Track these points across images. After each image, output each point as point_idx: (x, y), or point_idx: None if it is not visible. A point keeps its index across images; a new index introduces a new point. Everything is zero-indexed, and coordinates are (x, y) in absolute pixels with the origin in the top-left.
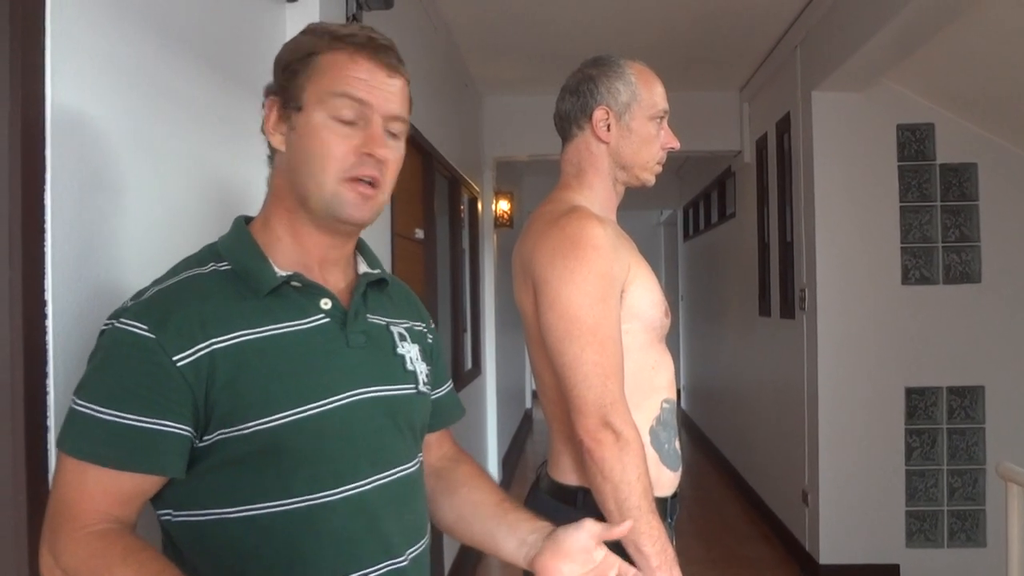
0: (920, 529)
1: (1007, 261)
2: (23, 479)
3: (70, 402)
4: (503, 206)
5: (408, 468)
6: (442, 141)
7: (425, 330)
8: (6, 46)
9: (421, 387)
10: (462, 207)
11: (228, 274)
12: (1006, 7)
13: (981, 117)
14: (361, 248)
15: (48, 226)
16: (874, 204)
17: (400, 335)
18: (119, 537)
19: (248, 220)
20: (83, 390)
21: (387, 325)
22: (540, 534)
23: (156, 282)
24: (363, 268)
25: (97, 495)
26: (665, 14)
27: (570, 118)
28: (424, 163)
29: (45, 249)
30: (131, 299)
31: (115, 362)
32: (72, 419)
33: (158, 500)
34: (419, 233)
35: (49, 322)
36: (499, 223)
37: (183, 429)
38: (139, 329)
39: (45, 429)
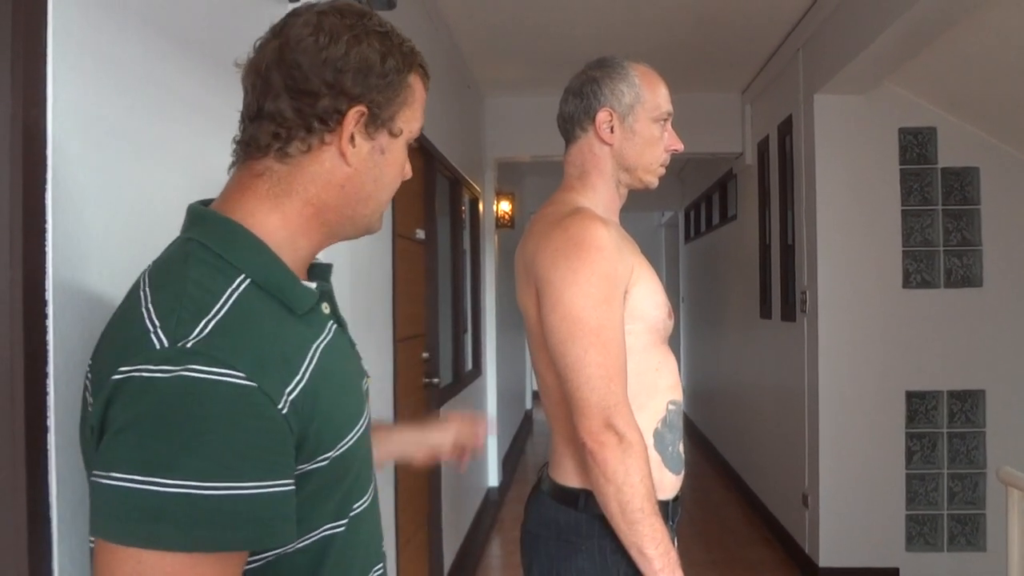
0: (920, 533)
1: (1008, 265)
2: (23, 478)
3: (132, 483)
4: (504, 207)
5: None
6: (444, 141)
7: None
8: (7, 46)
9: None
10: (463, 208)
11: (255, 290)
12: (1009, 11)
13: (983, 121)
14: None
15: (49, 226)
16: (876, 207)
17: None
18: None
19: (206, 203)
20: (167, 466)
21: (342, 317)
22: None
23: (185, 308)
24: None
25: None
26: (668, 16)
27: (573, 120)
28: (425, 163)
29: (46, 249)
30: (164, 332)
31: (214, 422)
32: (159, 505)
33: None
34: (420, 233)
35: (50, 322)
36: (500, 224)
37: (292, 485)
38: (234, 378)
39: (45, 429)
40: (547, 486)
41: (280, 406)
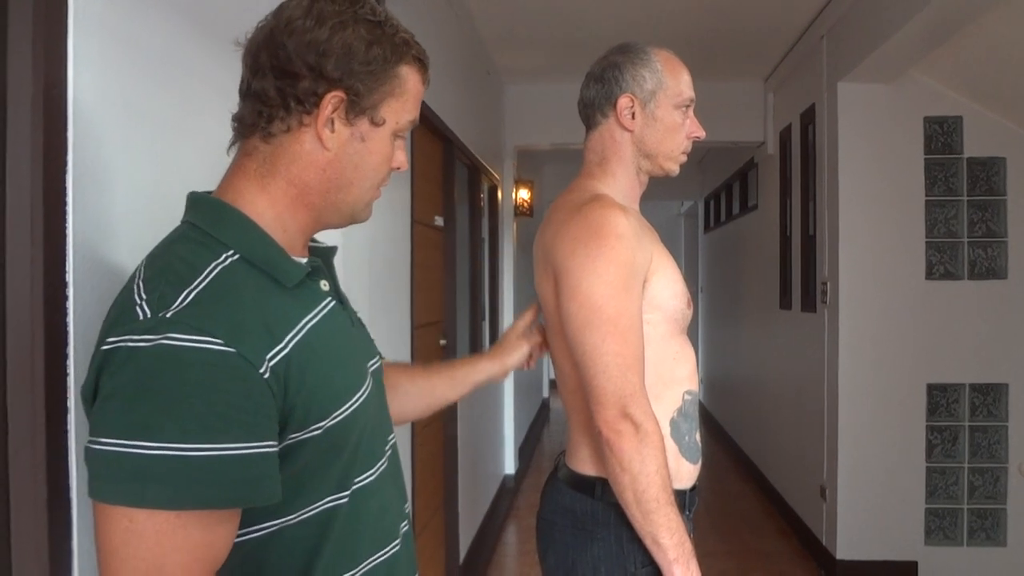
0: (939, 527)
1: None
2: (43, 455)
3: (118, 447)
4: (523, 194)
5: (395, 435)
6: (463, 129)
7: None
8: (29, 28)
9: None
10: (482, 195)
11: (243, 265)
12: None
13: (1011, 110)
14: None
15: (70, 206)
16: (899, 198)
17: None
18: None
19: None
20: (150, 429)
21: (344, 296)
22: (485, 358)
23: (168, 282)
24: None
25: (206, 553)
26: (690, 2)
27: (594, 105)
28: (444, 150)
29: (67, 229)
30: (148, 305)
31: (193, 387)
32: (145, 466)
33: None
34: (438, 220)
35: (70, 302)
36: (519, 211)
37: (275, 447)
38: (213, 344)
39: (65, 410)
40: (563, 474)
41: (261, 370)
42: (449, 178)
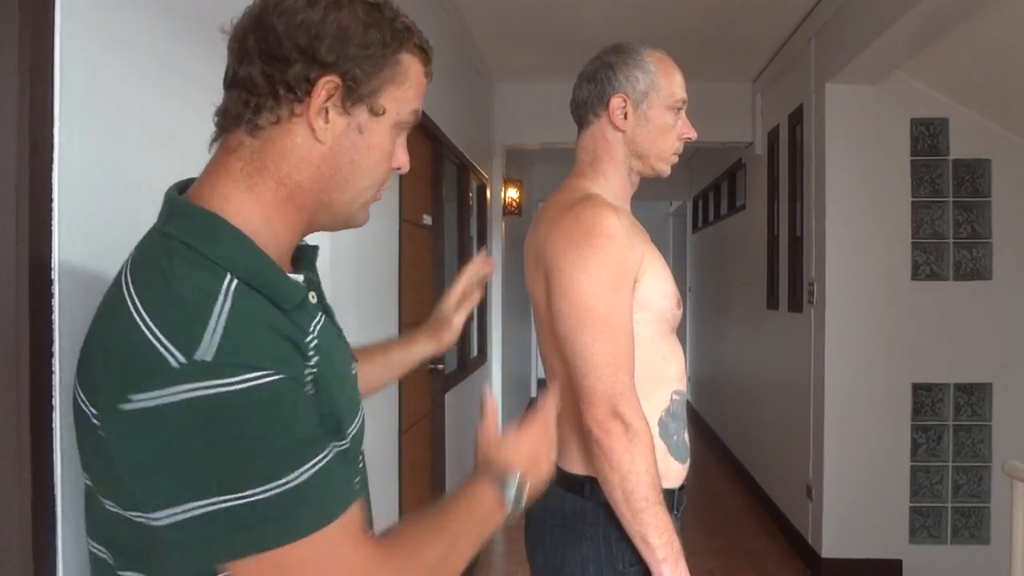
0: (924, 525)
1: (1018, 258)
2: (28, 455)
3: (234, 503)
4: (512, 194)
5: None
6: (451, 127)
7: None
8: (15, 25)
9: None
10: (470, 194)
11: (243, 287)
12: None
13: (997, 113)
14: None
15: (55, 205)
16: (885, 199)
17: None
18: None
19: (182, 189)
20: (255, 475)
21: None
22: (421, 338)
23: (187, 315)
24: None
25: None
26: (679, 3)
27: (587, 105)
28: (433, 149)
29: (52, 227)
30: (176, 347)
31: (275, 423)
32: (276, 503)
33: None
34: (427, 219)
35: (56, 301)
36: (507, 211)
37: (334, 447)
38: (268, 377)
39: (50, 409)
40: (552, 473)
41: (307, 388)
42: (438, 177)
